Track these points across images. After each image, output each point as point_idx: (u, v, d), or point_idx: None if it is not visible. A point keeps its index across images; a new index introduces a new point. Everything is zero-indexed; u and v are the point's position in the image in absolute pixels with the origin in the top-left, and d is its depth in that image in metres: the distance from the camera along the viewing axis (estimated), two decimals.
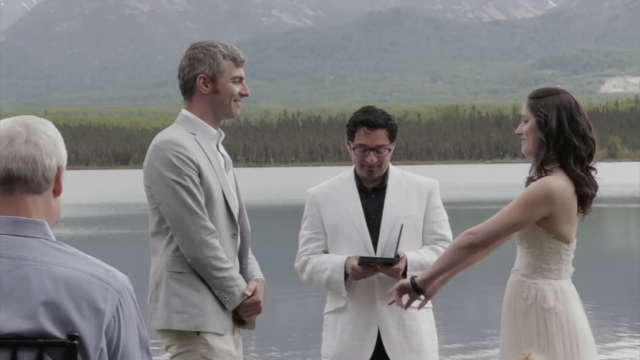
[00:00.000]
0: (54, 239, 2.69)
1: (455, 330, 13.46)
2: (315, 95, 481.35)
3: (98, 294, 2.62)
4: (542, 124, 4.68)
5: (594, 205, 4.59)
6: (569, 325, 4.67)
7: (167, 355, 4.88)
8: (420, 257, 5.29)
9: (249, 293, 4.82)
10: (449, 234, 5.45)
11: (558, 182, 4.65)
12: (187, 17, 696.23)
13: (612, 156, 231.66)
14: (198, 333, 4.72)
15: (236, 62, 4.89)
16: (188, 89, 4.93)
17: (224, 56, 4.87)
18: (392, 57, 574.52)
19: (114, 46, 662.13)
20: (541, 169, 4.71)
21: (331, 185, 5.53)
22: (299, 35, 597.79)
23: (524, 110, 4.77)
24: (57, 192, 2.73)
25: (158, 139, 4.85)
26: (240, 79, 4.91)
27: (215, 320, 4.75)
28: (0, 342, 2.56)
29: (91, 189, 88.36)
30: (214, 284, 4.74)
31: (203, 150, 4.81)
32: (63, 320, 2.58)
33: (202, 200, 4.73)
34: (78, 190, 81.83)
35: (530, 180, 4.77)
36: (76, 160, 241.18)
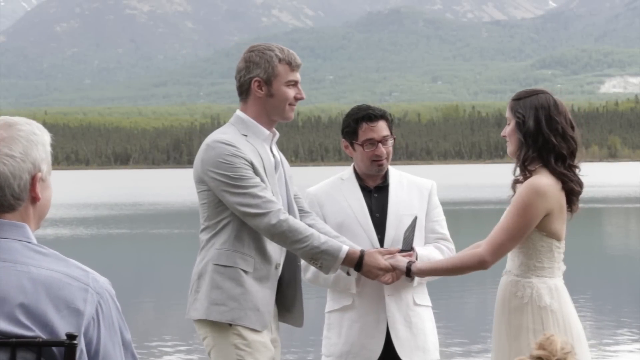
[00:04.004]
0: (34, 241, 2.70)
1: (453, 330, 13.44)
2: (315, 95, 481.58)
3: (77, 295, 2.63)
4: (520, 125, 4.77)
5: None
6: (564, 322, 4.70)
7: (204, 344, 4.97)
8: (428, 253, 5.34)
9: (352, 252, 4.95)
10: (447, 233, 5.54)
11: (545, 180, 4.71)
12: (187, 17, 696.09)
13: (612, 156, 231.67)
14: (231, 324, 4.82)
15: (292, 66, 4.95)
16: (243, 91, 4.98)
17: (280, 60, 4.92)
18: (392, 57, 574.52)
19: (114, 46, 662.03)
20: (524, 169, 4.78)
21: (332, 185, 5.56)
22: (299, 35, 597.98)
23: (507, 113, 4.87)
24: (35, 199, 2.72)
25: (210, 138, 4.94)
26: (296, 82, 4.97)
27: (253, 316, 4.83)
28: None
29: (90, 189, 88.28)
30: (301, 255, 4.89)
31: (256, 150, 4.90)
32: (42, 321, 2.59)
33: (261, 184, 4.84)
34: (77, 191, 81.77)
35: (516, 182, 4.84)
36: (76, 160, 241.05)
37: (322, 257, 4.83)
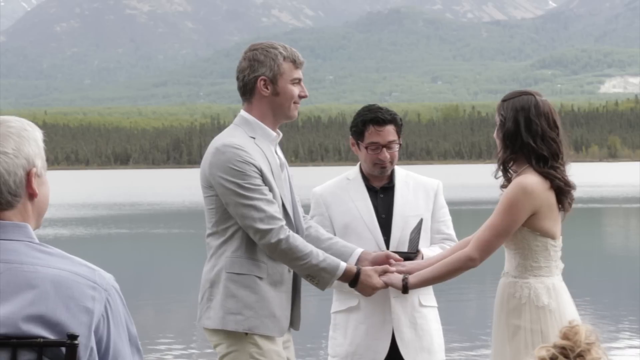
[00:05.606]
0: (37, 240, 2.69)
1: (453, 331, 13.44)
2: (315, 95, 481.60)
3: (86, 293, 2.63)
4: (502, 126, 4.84)
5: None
6: (561, 321, 4.69)
7: (213, 351, 4.95)
8: (434, 254, 5.31)
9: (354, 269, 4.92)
10: (454, 233, 5.51)
11: (532, 178, 4.73)
12: (187, 17, 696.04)
13: (612, 156, 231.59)
14: (247, 333, 4.77)
15: (296, 63, 4.90)
16: (248, 90, 4.89)
17: (284, 58, 4.86)
18: (392, 57, 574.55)
19: (114, 46, 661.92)
20: (505, 170, 4.87)
21: (338, 185, 5.51)
22: (299, 35, 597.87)
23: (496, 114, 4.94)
24: (32, 195, 2.71)
25: (219, 141, 4.82)
26: (299, 80, 4.92)
27: (270, 323, 4.79)
28: (0, 342, 2.56)
29: (90, 189, 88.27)
30: (298, 272, 4.84)
31: (263, 153, 4.83)
32: (52, 321, 2.58)
33: (269, 195, 4.76)
34: (77, 191, 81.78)
35: (504, 185, 4.88)
36: (76, 160, 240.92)
37: (319, 275, 4.80)
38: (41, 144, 2.73)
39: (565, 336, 2.44)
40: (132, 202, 60.90)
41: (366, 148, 5.38)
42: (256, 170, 4.74)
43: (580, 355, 2.42)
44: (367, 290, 4.96)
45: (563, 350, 2.43)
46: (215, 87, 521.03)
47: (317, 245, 4.96)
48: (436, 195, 5.51)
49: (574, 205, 4.91)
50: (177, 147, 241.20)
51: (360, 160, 5.49)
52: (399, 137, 5.44)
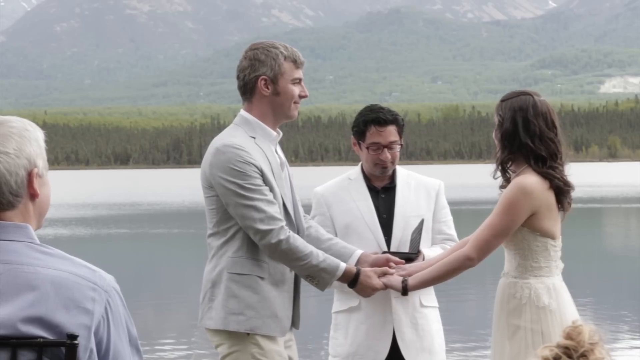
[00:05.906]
0: (37, 241, 2.68)
1: (453, 330, 13.44)
2: (315, 95, 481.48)
3: (86, 294, 2.62)
4: (500, 126, 4.83)
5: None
6: (562, 321, 4.68)
7: (214, 351, 4.96)
8: (435, 255, 5.30)
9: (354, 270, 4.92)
10: (455, 233, 5.51)
11: (531, 179, 4.73)
12: (187, 17, 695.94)
13: (612, 156, 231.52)
14: (248, 333, 4.77)
15: (296, 63, 4.89)
16: (248, 90, 4.87)
17: (285, 57, 4.85)
18: (392, 57, 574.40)
19: (114, 46, 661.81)
20: (504, 171, 4.87)
21: (339, 185, 5.52)
22: (299, 35, 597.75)
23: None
24: (33, 196, 2.70)
25: (219, 142, 4.80)
26: (300, 80, 4.90)
27: (272, 323, 4.78)
28: (0, 342, 2.56)
29: (90, 189, 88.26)
30: (298, 272, 4.83)
31: (264, 153, 4.82)
32: (52, 323, 2.58)
33: (269, 196, 4.75)
34: (77, 191, 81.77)
35: (504, 185, 4.89)
36: (76, 160, 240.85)
37: (319, 275, 4.79)
38: (42, 144, 2.73)
39: (568, 336, 2.44)
40: (132, 202, 60.89)
41: (367, 148, 5.38)
42: (257, 170, 4.73)
43: (583, 355, 2.41)
44: (367, 291, 4.96)
45: (566, 350, 2.42)
46: (215, 87, 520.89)
47: (317, 246, 4.95)
48: (437, 196, 5.50)
49: (573, 205, 4.91)
50: (177, 147, 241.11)
51: (361, 160, 5.49)
52: (400, 138, 5.44)
